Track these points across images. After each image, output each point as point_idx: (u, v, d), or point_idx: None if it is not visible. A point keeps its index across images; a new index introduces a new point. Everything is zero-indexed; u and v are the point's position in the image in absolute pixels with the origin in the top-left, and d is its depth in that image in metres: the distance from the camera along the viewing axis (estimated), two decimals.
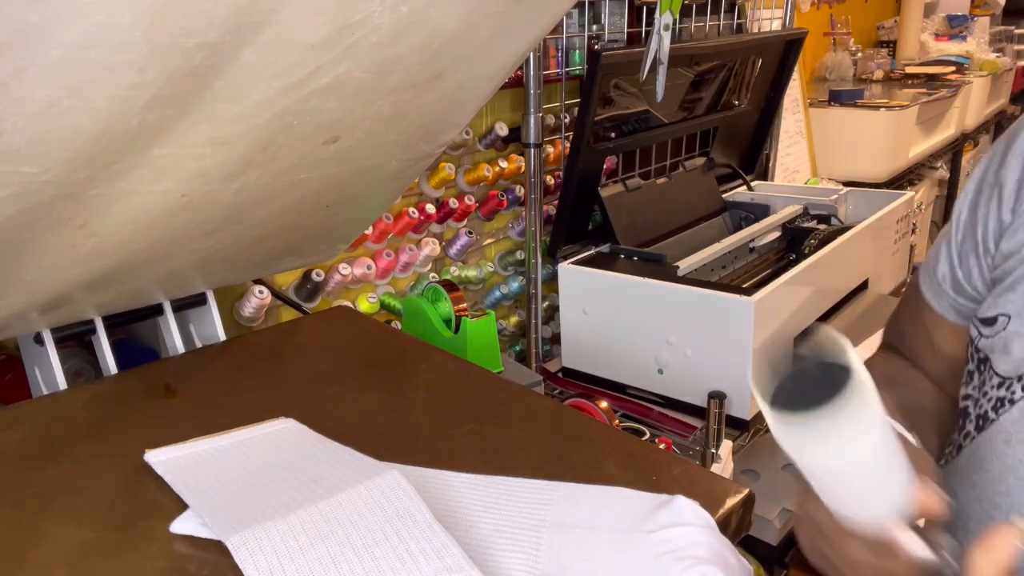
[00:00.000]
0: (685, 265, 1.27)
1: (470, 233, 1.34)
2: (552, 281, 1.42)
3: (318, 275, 1.13)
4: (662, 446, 1.09)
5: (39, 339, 0.79)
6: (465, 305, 1.04)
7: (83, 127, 0.50)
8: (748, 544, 1.21)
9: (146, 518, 0.57)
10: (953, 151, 2.91)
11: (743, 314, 1.05)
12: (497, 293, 1.43)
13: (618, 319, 1.19)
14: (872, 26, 3.29)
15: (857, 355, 0.42)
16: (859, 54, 2.84)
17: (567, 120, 1.42)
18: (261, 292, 1.05)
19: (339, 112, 0.65)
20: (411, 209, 1.22)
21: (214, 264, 0.83)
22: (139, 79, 0.49)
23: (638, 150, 1.58)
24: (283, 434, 0.68)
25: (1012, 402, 0.51)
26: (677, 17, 1.17)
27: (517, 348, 1.51)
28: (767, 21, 1.93)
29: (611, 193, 1.38)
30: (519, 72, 1.27)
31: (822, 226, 1.53)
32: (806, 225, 1.55)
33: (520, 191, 1.40)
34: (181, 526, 0.56)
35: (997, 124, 3.61)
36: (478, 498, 0.60)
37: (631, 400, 1.20)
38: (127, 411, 0.75)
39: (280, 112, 0.60)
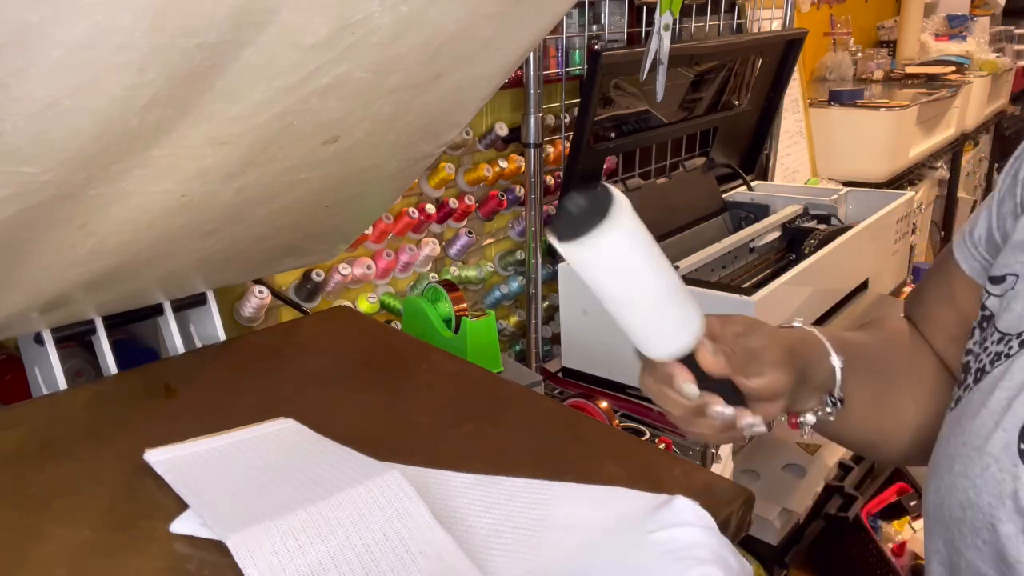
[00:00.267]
0: (685, 265, 1.27)
1: (470, 233, 1.34)
2: (552, 281, 1.42)
3: (318, 275, 1.13)
4: (662, 446, 1.09)
5: (39, 339, 0.79)
6: (465, 305, 1.04)
7: (83, 127, 0.50)
8: (748, 544, 1.21)
9: (146, 518, 0.57)
10: (953, 151, 2.91)
11: (744, 314, 1.05)
12: (497, 293, 1.43)
13: None
14: (872, 26, 3.29)
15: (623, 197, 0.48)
16: (859, 54, 2.84)
17: (567, 120, 1.42)
18: (261, 292, 1.05)
19: (339, 112, 0.65)
20: (411, 209, 1.22)
21: (214, 264, 0.83)
22: (139, 79, 0.49)
23: (638, 150, 1.58)
24: (283, 434, 0.68)
25: (1008, 356, 0.53)
26: (677, 17, 1.17)
27: (517, 348, 1.51)
28: (767, 21, 1.93)
29: None
30: (519, 72, 1.27)
31: (822, 226, 1.53)
32: (806, 225, 1.55)
33: (520, 191, 1.40)
34: (181, 526, 0.56)
35: (997, 124, 3.61)
36: (478, 498, 0.60)
37: (631, 400, 1.20)
38: (127, 411, 0.75)
39: (280, 112, 0.60)
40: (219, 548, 0.53)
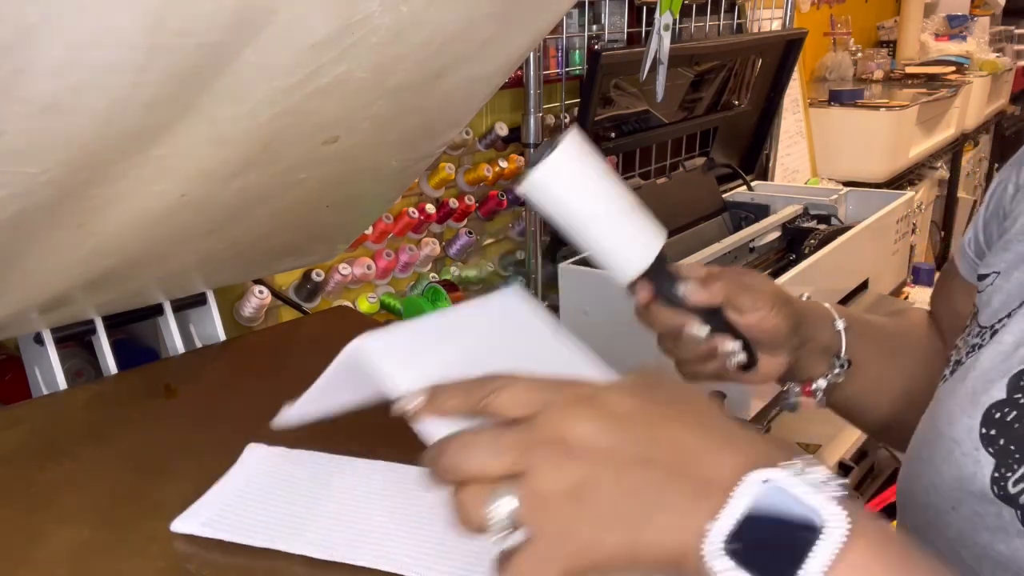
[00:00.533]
0: (685, 265, 1.27)
1: (470, 233, 1.34)
2: (552, 281, 1.42)
3: (318, 275, 1.13)
4: None
5: (39, 339, 0.79)
6: None
7: (83, 127, 0.50)
8: None
9: (146, 518, 0.57)
10: (953, 151, 2.92)
11: None
12: None
13: (618, 319, 1.19)
14: (872, 26, 3.29)
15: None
16: (859, 54, 2.84)
17: (567, 120, 1.42)
18: (261, 292, 1.05)
19: (339, 112, 0.65)
20: (411, 209, 1.22)
21: (214, 264, 0.83)
22: (139, 79, 0.49)
23: (638, 150, 1.58)
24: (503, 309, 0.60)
25: (980, 347, 0.55)
26: (677, 17, 1.17)
27: None
28: (767, 21, 1.93)
29: None
30: (519, 72, 1.27)
31: (822, 226, 1.53)
32: (806, 225, 1.55)
33: None
34: (181, 525, 0.56)
35: (997, 124, 3.61)
36: None
37: None
38: (127, 411, 0.75)
39: (280, 112, 0.60)
40: (220, 548, 0.53)
